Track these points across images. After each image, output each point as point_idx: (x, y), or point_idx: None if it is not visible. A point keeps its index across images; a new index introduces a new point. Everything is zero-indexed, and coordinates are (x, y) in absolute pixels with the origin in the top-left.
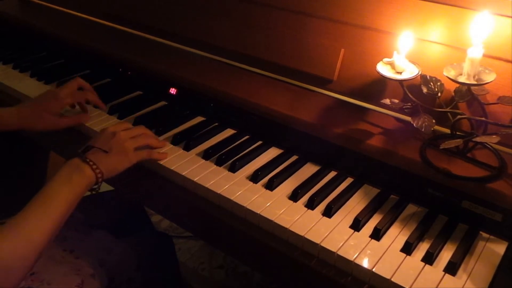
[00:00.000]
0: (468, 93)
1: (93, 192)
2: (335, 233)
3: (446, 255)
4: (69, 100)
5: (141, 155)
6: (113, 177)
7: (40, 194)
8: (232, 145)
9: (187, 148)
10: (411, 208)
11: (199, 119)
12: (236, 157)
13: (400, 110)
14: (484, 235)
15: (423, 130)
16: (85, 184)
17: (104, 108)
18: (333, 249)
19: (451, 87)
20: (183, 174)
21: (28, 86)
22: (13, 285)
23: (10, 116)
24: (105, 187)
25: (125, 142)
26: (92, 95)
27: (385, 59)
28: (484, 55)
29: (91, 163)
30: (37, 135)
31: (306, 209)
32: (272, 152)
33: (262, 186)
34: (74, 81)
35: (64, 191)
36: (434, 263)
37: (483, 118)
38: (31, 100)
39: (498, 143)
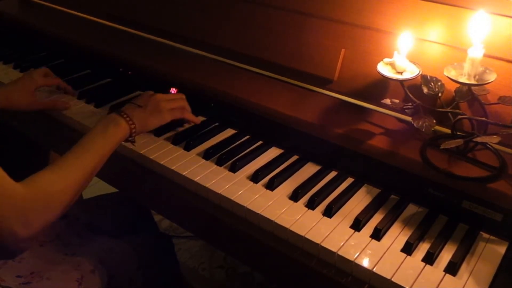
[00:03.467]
0: (468, 93)
1: (131, 142)
2: (336, 233)
3: (446, 255)
4: (41, 82)
5: (174, 113)
6: (147, 130)
7: (78, 143)
8: (233, 145)
9: (188, 148)
10: (411, 208)
11: (199, 119)
12: (236, 157)
13: (401, 110)
14: (485, 235)
15: (423, 130)
16: (120, 135)
17: (72, 93)
18: (334, 249)
19: (451, 87)
20: (184, 174)
21: None
22: (51, 216)
23: None
24: (107, 189)
25: (161, 102)
26: (61, 81)
27: (386, 59)
28: (485, 55)
29: (125, 116)
30: (16, 113)
31: (307, 209)
32: (273, 152)
33: (263, 186)
34: (42, 69)
35: (99, 141)
36: (435, 263)
37: (484, 118)
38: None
39: (499, 143)
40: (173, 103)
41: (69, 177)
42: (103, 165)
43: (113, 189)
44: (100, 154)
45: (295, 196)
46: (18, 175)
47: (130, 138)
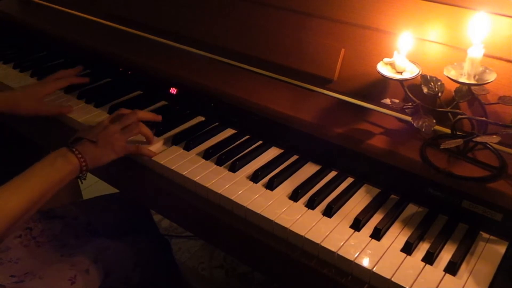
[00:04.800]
0: (468, 93)
1: (81, 179)
2: (336, 233)
3: (446, 255)
4: (51, 89)
5: (128, 148)
6: (101, 167)
7: (24, 172)
8: (233, 145)
9: (187, 148)
10: (411, 208)
11: (199, 119)
12: (236, 157)
13: (401, 110)
14: (485, 235)
15: (423, 130)
16: (69, 169)
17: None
18: (334, 249)
19: (451, 87)
20: (184, 174)
21: None
22: None
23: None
24: (107, 189)
25: (114, 134)
26: (75, 78)
27: (386, 59)
28: (485, 55)
29: (76, 152)
30: (20, 119)
31: (307, 209)
32: (273, 152)
33: (263, 186)
34: (57, 73)
35: (45, 171)
36: (435, 263)
37: (484, 118)
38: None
39: (499, 143)
40: (127, 135)
41: (4, 208)
42: (48, 199)
43: (113, 189)
44: (43, 188)
45: (295, 196)
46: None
47: (80, 175)
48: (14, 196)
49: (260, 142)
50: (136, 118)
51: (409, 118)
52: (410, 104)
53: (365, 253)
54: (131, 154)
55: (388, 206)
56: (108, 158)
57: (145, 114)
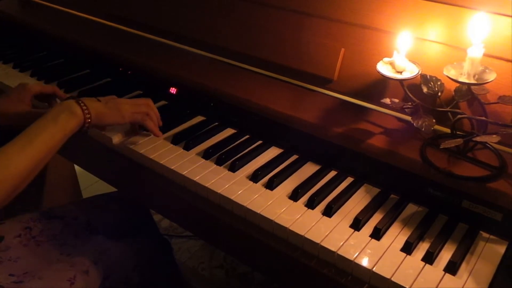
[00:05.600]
0: (468, 93)
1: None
2: (335, 232)
3: (446, 254)
4: (36, 89)
5: (135, 116)
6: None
7: (28, 127)
8: (232, 145)
9: (187, 147)
10: (411, 208)
11: (199, 118)
12: (236, 157)
13: (401, 110)
14: (484, 234)
15: (423, 129)
16: (74, 124)
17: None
18: (333, 249)
19: (451, 86)
20: (183, 173)
21: None
22: None
23: None
24: (107, 189)
25: (123, 104)
26: (57, 89)
27: (385, 59)
28: (485, 55)
29: (82, 104)
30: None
31: (306, 208)
32: (272, 152)
33: (262, 185)
34: (50, 86)
35: (50, 126)
36: (434, 263)
37: (484, 118)
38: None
39: (499, 142)
40: (135, 108)
41: (11, 166)
42: (54, 153)
43: (112, 189)
44: (49, 143)
45: (294, 196)
46: None
47: (83, 129)
48: (20, 156)
49: (260, 142)
50: (147, 101)
51: (409, 118)
52: (410, 103)
53: (365, 252)
54: (137, 122)
55: (388, 206)
56: (114, 119)
57: (155, 108)
